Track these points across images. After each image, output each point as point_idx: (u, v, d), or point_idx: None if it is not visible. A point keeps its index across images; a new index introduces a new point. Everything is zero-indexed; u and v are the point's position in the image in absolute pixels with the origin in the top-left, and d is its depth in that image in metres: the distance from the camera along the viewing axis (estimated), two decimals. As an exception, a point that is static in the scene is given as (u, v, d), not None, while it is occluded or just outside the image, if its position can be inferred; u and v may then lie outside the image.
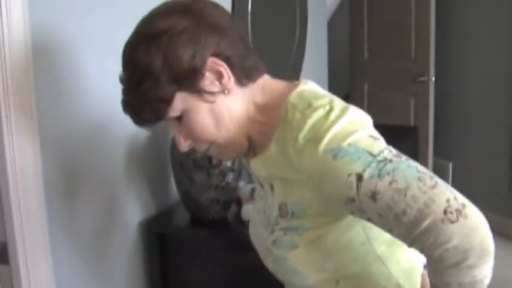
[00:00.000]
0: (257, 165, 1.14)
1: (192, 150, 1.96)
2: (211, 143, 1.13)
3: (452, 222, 0.89)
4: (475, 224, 0.90)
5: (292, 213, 1.09)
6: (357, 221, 1.08)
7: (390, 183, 0.93)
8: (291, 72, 3.34)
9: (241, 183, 2.23)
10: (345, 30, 5.13)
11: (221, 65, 1.07)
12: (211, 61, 1.06)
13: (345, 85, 5.13)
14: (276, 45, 3.21)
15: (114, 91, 1.96)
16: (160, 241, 2.16)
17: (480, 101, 4.38)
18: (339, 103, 1.04)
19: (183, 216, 2.18)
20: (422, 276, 1.19)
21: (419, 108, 4.35)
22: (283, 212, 1.11)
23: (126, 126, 2.04)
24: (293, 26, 3.38)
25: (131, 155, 2.10)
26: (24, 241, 1.64)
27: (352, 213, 1.02)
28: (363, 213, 0.99)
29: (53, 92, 1.74)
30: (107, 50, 1.96)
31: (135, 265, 2.16)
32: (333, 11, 5.15)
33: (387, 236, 1.07)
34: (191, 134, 1.12)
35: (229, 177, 2.06)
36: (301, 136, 1.01)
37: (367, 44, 4.74)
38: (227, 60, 1.08)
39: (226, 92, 1.09)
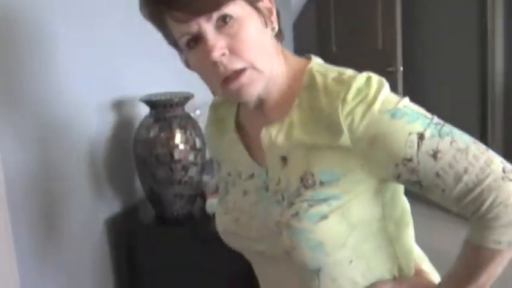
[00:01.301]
0: (272, 134, 1.07)
1: (153, 146, 1.99)
2: (249, 64, 1.02)
3: (510, 180, 0.95)
4: None
5: (321, 182, 1.03)
6: (379, 196, 1.07)
7: (451, 143, 0.96)
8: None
9: (206, 178, 2.24)
10: (313, 23, 5.15)
11: (273, 5, 1.07)
12: None
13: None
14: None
15: (79, 86, 1.98)
16: (126, 238, 2.16)
17: (448, 89, 4.43)
18: (370, 73, 1.03)
19: (148, 213, 2.18)
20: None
21: (388, 98, 4.37)
22: (307, 183, 1.04)
23: (90, 123, 2.06)
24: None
25: (95, 153, 2.09)
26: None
27: (398, 176, 1.00)
28: (412, 175, 0.99)
29: (11, 87, 1.72)
30: (73, 42, 1.96)
31: (102, 263, 2.16)
32: (301, 3, 5.17)
33: (396, 214, 1.11)
34: (235, 45, 1.01)
35: (192, 172, 2.06)
36: (350, 97, 0.98)
37: (335, 36, 4.77)
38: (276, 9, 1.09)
39: (273, 30, 1.07)
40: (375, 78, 1.01)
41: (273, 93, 1.09)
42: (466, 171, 0.95)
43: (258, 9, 1.03)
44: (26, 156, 1.78)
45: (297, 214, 1.04)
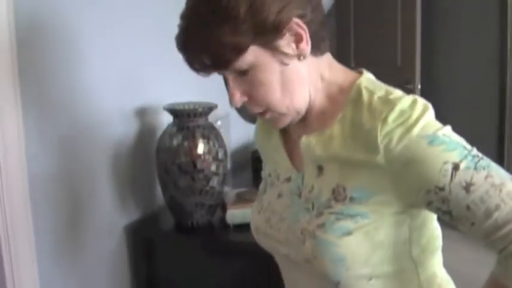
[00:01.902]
0: (311, 143, 1.09)
1: (176, 155, 2.00)
2: (269, 108, 1.07)
3: None
4: None
5: (352, 198, 1.04)
6: (407, 219, 1.06)
7: (486, 178, 0.95)
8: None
9: (226, 188, 2.25)
10: (332, 40, 5.17)
11: (303, 28, 1.02)
12: (295, 22, 1.01)
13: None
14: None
15: (103, 92, 2.00)
16: (145, 245, 2.17)
17: (466, 108, 4.42)
18: (418, 96, 1.02)
19: (168, 221, 2.19)
20: None
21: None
22: (338, 196, 1.05)
23: (113, 130, 2.08)
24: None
25: (117, 159, 2.11)
26: (9, 244, 1.64)
27: (429, 203, 1.00)
28: (443, 204, 0.98)
29: (39, 91, 1.75)
30: (99, 48, 1.98)
31: (121, 269, 2.17)
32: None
33: (424, 240, 1.10)
34: (252, 92, 1.05)
35: (214, 182, 2.08)
36: (391, 118, 0.98)
37: (354, 53, 4.78)
38: (308, 24, 1.03)
39: (302, 57, 1.04)
40: (421, 102, 1.00)
41: (315, 107, 1.10)
42: (497, 207, 0.94)
43: (275, 49, 1.01)
44: (50, 159, 1.80)
45: (323, 225, 1.05)
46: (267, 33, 0.99)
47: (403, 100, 0.99)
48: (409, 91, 4.19)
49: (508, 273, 0.97)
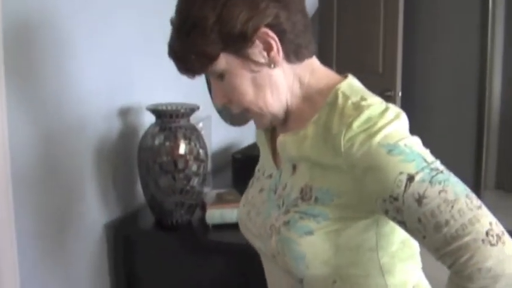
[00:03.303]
0: (286, 142, 1.12)
1: (158, 154, 2.03)
2: (246, 109, 1.12)
3: (492, 244, 0.91)
4: (511, 252, 0.91)
5: (316, 198, 1.06)
6: (373, 225, 1.07)
7: (440, 192, 0.94)
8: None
9: (206, 189, 2.28)
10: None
11: (272, 38, 1.05)
12: (264, 31, 1.04)
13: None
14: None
15: (88, 92, 2.03)
16: (125, 243, 2.19)
17: (445, 115, 4.49)
18: (392, 105, 1.03)
19: (148, 219, 2.22)
20: None
21: (385, 122, 4.43)
22: (305, 196, 1.07)
23: (96, 128, 2.10)
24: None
25: (99, 158, 2.14)
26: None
27: (386, 212, 1.00)
28: (398, 214, 0.98)
29: (24, 89, 1.77)
30: (85, 48, 2.00)
31: (100, 266, 2.19)
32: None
33: (393, 248, 1.11)
34: (229, 94, 1.11)
35: (194, 182, 2.11)
36: (356, 124, 0.99)
37: (336, 59, 4.84)
38: (281, 33, 1.06)
39: (272, 65, 1.07)
40: (393, 111, 1.01)
41: (293, 110, 1.14)
42: (447, 223, 0.93)
43: (245, 57, 1.06)
44: (32, 157, 1.82)
45: (288, 223, 1.09)
46: (236, 43, 1.04)
47: (374, 107, 1.01)
48: (389, 98, 4.29)
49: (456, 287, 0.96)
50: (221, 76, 1.09)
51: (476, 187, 4.44)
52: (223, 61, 1.06)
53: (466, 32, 4.35)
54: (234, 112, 1.15)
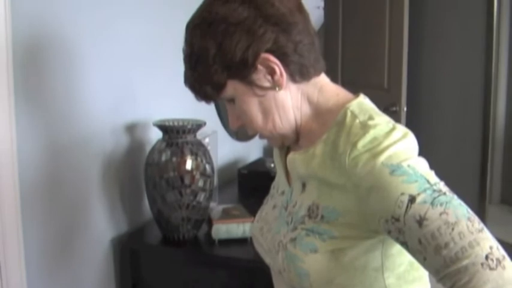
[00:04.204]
0: (295, 161, 1.13)
1: (165, 170, 2.05)
2: (257, 133, 1.16)
3: (491, 269, 0.89)
4: (511, 278, 0.89)
5: (322, 216, 1.07)
6: (379, 245, 1.07)
7: (441, 214, 0.93)
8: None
9: (212, 204, 2.29)
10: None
11: (274, 62, 1.06)
12: (264, 57, 1.05)
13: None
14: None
15: (96, 107, 2.05)
16: (131, 258, 2.20)
17: (450, 130, 4.50)
18: (400, 126, 1.03)
19: (155, 234, 2.23)
20: None
21: (391, 137, 4.43)
22: (312, 213, 1.08)
23: (104, 143, 2.12)
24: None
25: (107, 173, 2.15)
26: (-2, 253, 1.68)
27: (389, 232, 1.00)
28: (400, 235, 0.98)
29: (33, 102, 1.79)
30: (94, 63, 2.03)
31: (107, 281, 2.20)
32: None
33: (400, 269, 1.11)
34: (242, 119, 1.15)
35: (201, 197, 2.12)
36: (361, 144, 1.00)
37: (341, 74, 4.85)
38: (283, 56, 1.07)
39: (277, 88, 1.09)
40: (399, 131, 1.01)
41: (303, 128, 1.16)
42: (446, 245, 0.92)
43: (251, 82, 1.08)
44: (41, 170, 1.84)
45: (294, 239, 1.10)
46: (239, 70, 1.07)
47: (380, 127, 1.01)
48: (395, 113, 4.29)
49: None
50: (232, 101, 1.13)
51: (481, 201, 4.43)
52: (231, 88, 1.10)
53: (471, 47, 4.36)
54: (249, 134, 1.20)
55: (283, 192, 1.23)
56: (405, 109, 4.33)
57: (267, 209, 1.29)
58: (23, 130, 1.74)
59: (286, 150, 1.26)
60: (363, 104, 1.10)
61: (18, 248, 1.75)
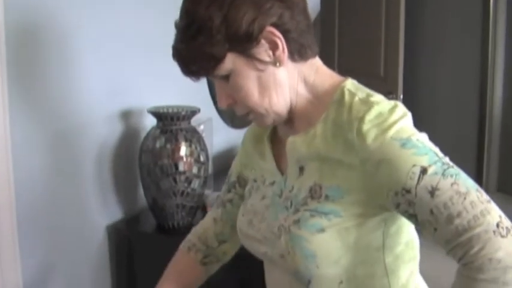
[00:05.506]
0: (296, 143, 1.12)
1: (159, 157, 2.04)
2: (251, 110, 1.13)
3: (502, 236, 0.92)
4: None
5: (327, 196, 1.07)
6: (382, 224, 1.08)
7: (452, 184, 0.96)
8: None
9: (207, 191, 2.29)
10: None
11: (278, 37, 1.06)
12: (269, 30, 1.05)
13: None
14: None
15: (90, 94, 2.04)
16: (126, 245, 2.20)
17: (447, 118, 4.50)
18: (399, 103, 1.04)
19: (149, 221, 2.23)
20: None
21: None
22: (315, 194, 1.08)
23: (98, 131, 2.11)
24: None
25: (101, 160, 2.15)
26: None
27: (398, 205, 1.01)
28: (410, 207, 0.99)
29: (26, 92, 1.79)
30: (87, 51, 2.02)
31: (102, 268, 2.20)
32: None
33: (398, 249, 1.12)
34: (234, 95, 1.12)
35: (195, 184, 2.12)
36: (368, 118, 1.01)
37: (337, 63, 4.84)
38: (285, 32, 1.07)
39: (277, 64, 1.08)
40: (401, 108, 1.03)
41: (298, 110, 1.15)
42: (459, 214, 0.94)
43: (251, 56, 1.07)
44: (36, 158, 1.84)
45: (298, 221, 1.09)
46: (242, 43, 1.05)
47: (383, 104, 1.03)
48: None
49: (465, 285, 0.96)
50: (226, 77, 1.10)
51: (478, 190, 4.45)
52: (230, 61, 1.07)
53: (468, 35, 4.36)
54: (238, 114, 1.16)
55: (273, 183, 1.22)
56: (401, 97, 4.34)
57: (252, 201, 1.27)
58: (17, 120, 1.74)
59: (272, 142, 1.25)
60: (357, 84, 1.12)
61: (13, 236, 1.74)
